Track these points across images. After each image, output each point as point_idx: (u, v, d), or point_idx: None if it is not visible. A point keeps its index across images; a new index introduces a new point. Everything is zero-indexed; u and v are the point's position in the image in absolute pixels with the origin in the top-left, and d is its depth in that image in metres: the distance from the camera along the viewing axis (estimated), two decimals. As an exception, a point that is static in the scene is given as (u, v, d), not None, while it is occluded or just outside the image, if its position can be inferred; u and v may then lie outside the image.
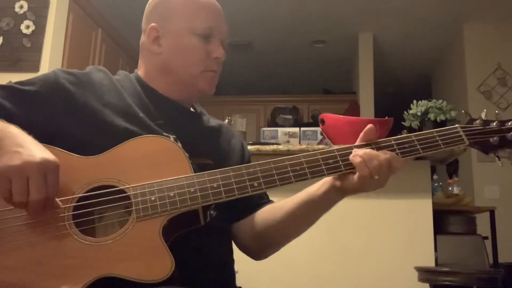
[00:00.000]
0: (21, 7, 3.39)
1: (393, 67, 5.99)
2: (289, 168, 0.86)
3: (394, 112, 2.76)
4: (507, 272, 2.50)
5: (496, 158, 0.95)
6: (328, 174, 0.87)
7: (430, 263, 2.31)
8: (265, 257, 1.06)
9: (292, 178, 0.85)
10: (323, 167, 0.86)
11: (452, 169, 4.47)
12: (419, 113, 2.59)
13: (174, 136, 0.95)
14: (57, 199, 0.78)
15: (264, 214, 1.02)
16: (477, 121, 0.95)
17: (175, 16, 1.01)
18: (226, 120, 3.06)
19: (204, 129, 1.08)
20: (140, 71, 1.07)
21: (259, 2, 4.54)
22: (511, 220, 3.88)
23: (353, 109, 5.12)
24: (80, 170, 0.83)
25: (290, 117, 5.42)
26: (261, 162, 0.87)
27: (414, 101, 2.67)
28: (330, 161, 0.87)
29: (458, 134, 0.92)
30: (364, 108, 5.05)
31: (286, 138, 3.13)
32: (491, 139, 0.93)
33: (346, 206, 2.72)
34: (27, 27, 3.35)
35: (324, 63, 5.95)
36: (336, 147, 0.91)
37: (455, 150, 2.30)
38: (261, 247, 1.04)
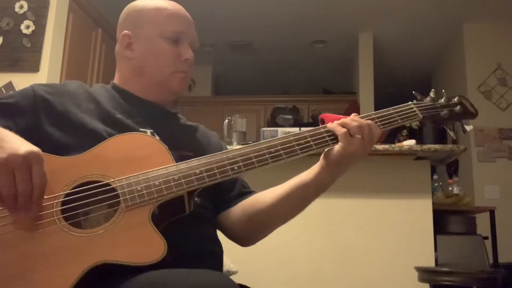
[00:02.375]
0: (21, 7, 3.38)
1: (393, 67, 6.00)
2: (265, 151, 0.91)
3: (394, 112, 2.76)
4: (507, 272, 2.50)
5: (448, 130, 1.06)
6: (301, 153, 0.93)
7: (430, 263, 2.31)
8: (253, 243, 1.09)
9: (269, 159, 0.90)
10: (296, 147, 0.93)
11: (452, 169, 4.48)
12: (419, 113, 2.58)
13: (151, 131, 1.01)
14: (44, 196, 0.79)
15: (253, 200, 1.06)
16: (427, 98, 1.07)
17: (146, 22, 1.08)
18: (226, 120, 3.06)
19: (181, 126, 1.13)
20: (116, 79, 1.13)
21: (259, 2, 4.54)
22: (511, 220, 3.88)
23: (353, 109, 5.12)
24: (65, 169, 0.85)
25: (290, 117, 5.43)
26: (239, 147, 0.92)
27: (414, 101, 2.67)
28: (302, 141, 0.94)
29: (412, 110, 1.03)
30: (364, 108, 5.05)
31: (286, 138, 3.13)
32: (441, 113, 1.04)
33: (346, 206, 2.74)
34: (27, 27, 3.35)
35: (324, 63, 5.95)
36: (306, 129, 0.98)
37: (455, 150, 2.30)
38: (250, 232, 1.07)
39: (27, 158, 0.75)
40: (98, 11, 4.07)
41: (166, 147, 0.90)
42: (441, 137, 2.54)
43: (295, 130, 3.19)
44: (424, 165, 2.47)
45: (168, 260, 0.77)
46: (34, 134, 0.92)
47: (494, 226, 3.14)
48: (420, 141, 2.49)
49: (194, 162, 0.88)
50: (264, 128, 3.31)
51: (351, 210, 2.42)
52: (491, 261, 2.95)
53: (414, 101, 1.06)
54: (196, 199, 0.95)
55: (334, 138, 0.95)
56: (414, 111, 1.03)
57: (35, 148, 0.78)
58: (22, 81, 3.20)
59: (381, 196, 2.44)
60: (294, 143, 0.93)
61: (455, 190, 3.22)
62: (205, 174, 0.87)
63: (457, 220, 2.81)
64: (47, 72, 3.29)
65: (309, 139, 0.94)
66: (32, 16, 3.37)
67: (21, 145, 0.77)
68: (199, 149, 1.04)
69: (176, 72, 1.07)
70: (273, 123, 5.44)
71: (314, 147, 0.93)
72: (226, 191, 1.08)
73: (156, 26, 1.07)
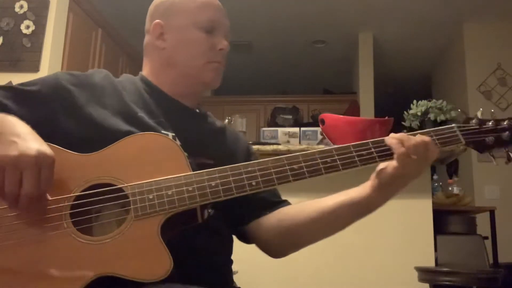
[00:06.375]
0: (21, 7, 3.38)
1: (393, 67, 5.99)
2: (287, 167, 0.86)
3: (394, 112, 2.76)
4: (507, 272, 2.50)
5: (492, 158, 0.96)
6: (326, 173, 0.86)
7: (430, 263, 2.31)
8: (285, 255, 1.05)
9: (290, 177, 0.85)
10: (321, 166, 0.86)
11: (452, 169, 4.47)
12: (419, 113, 2.59)
13: (173, 134, 0.96)
14: (52, 197, 0.78)
15: (292, 212, 1.02)
16: (473, 121, 0.95)
17: (178, 12, 1.04)
18: (226, 120, 3.06)
19: (207, 129, 1.08)
20: (145, 71, 1.08)
21: (259, 2, 4.54)
22: (511, 220, 3.88)
23: (353, 109, 5.12)
24: (78, 168, 0.83)
25: (290, 117, 5.42)
26: (259, 161, 0.87)
27: (414, 101, 2.67)
28: (328, 159, 0.87)
29: (454, 134, 0.93)
30: (364, 108, 5.05)
31: (286, 138, 3.13)
32: (486, 139, 0.94)
33: (346, 206, 2.67)
34: (27, 27, 3.35)
35: (324, 63, 5.95)
36: (334, 146, 0.91)
37: (455, 150, 2.29)
38: (285, 245, 1.03)
39: (39, 160, 0.74)
40: (98, 11, 4.07)
41: (185, 153, 0.86)
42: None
43: (295, 130, 3.19)
44: (424, 165, 2.46)
45: (174, 272, 0.75)
46: (50, 125, 0.90)
47: (494, 226, 3.14)
48: (420, 141, 2.49)
49: (211, 173, 0.84)
50: (264, 128, 3.30)
51: (351, 210, 2.41)
52: (491, 261, 2.95)
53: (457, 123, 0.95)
54: (209, 211, 0.92)
55: (384, 156, 0.88)
56: (457, 135, 0.92)
57: (48, 150, 0.76)
58: (21, 81, 3.19)
59: (381, 196, 2.44)
60: (319, 160, 0.86)
61: (455, 190, 3.22)
62: (220, 188, 0.82)
63: (457, 220, 2.81)
64: (47, 72, 3.28)
65: (335, 157, 0.87)
66: (32, 16, 3.37)
67: (35, 145, 0.75)
68: (222, 156, 0.99)
69: (209, 62, 1.02)
70: (273, 123, 5.44)
71: (340, 167, 0.87)
72: (257, 199, 1.01)
73: (190, 15, 1.03)
